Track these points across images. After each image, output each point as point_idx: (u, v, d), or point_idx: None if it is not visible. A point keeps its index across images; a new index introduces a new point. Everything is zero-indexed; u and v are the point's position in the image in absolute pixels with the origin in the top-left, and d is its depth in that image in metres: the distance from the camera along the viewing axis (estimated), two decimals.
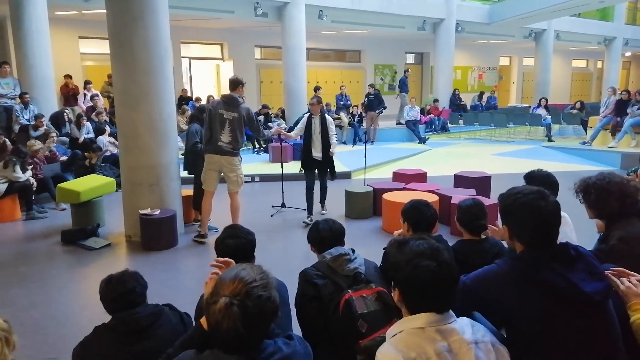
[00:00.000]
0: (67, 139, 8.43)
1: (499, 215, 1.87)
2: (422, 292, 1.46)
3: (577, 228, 2.90)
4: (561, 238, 1.72)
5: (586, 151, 10.78)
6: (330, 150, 6.03)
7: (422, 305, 1.47)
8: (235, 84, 5.16)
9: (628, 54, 24.24)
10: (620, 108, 10.83)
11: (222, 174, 5.27)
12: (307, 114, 6.12)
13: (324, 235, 2.42)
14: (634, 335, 1.69)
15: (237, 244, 2.21)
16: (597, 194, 2.31)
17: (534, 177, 2.99)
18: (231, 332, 1.30)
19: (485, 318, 1.82)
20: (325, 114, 6.21)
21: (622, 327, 1.68)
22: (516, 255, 1.73)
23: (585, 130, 12.55)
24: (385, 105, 13.02)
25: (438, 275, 1.44)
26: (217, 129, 5.05)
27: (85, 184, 5.86)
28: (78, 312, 3.77)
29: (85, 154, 7.60)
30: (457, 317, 1.54)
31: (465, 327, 1.49)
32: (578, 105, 14.03)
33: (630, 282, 1.75)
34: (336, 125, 12.57)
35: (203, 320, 1.60)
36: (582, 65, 25.68)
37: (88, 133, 8.70)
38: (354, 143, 12.35)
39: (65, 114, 8.87)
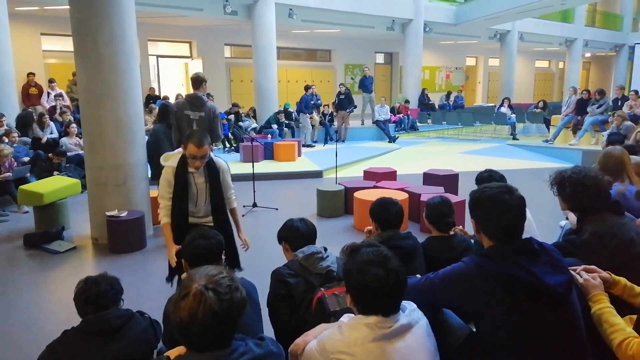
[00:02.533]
0: (29, 140, 8.13)
1: (467, 212, 1.92)
2: (370, 298, 1.55)
3: (539, 223, 3.00)
4: (524, 234, 1.79)
5: (549, 149, 11.15)
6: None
7: (370, 310, 1.56)
8: (198, 82, 5.09)
9: (588, 55, 25.17)
10: (581, 107, 11.25)
11: None
12: None
13: (302, 233, 2.42)
14: (595, 326, 1.77)
15: (208, 245, 2.19)
16: (572, 187, 2.33)
17: (482, 178, 3.09)
18: (208, 319, 1.29)
19: (455, 314, 1.87)
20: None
21: (585, 319, 1.76)
22: (483, 251, 1.78)
23: (548, 129, 12.98)
24: (356, 104, 13.11)
25: (386, 282, 1.53)
26: (185, 130, 4.95)
27: (49, 186, 5.67)
28: (43, 317, 3.65)
29: (49, 155, 7.35)
30: (425, 312, 1.60)
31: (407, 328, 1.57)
32: (541, 104, 14.49)
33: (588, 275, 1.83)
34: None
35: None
36: (545, 66, 26.53)
37: (52, 133, 8.42)
38: (325, 142, 12.40)
39: (33, 115, 8.54)
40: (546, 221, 3.10)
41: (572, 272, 1.82)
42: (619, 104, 11.10)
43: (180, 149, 3.22)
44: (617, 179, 2.88)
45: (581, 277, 1.85)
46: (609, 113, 10.31)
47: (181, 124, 5.01)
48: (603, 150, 3.08)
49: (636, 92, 11.05)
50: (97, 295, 2.01)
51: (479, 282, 1.68)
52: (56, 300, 3.93)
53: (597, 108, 10.68)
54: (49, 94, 9.98)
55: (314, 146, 11.93)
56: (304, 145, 11.61)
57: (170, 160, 3.21)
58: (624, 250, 2.14)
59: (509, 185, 1.81)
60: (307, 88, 12.51)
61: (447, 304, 1.86)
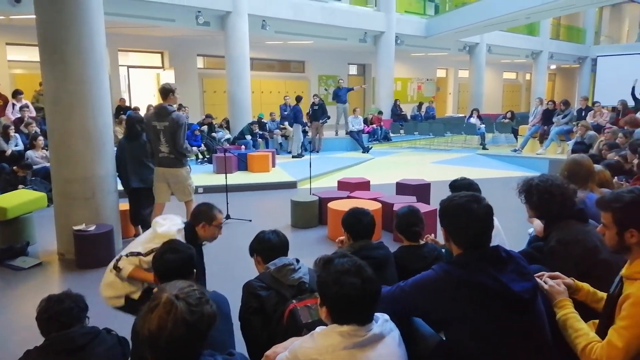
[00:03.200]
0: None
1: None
2: (348, 307, 1.55)
3: (508, 231, 3.07)
4: (492, 242, 1.83)
5: (517, 158, 11.46)
6: None
7: (347, 319, 1.56)
8: (165, 92, 5.12)
9: (553, 66, 26.06)
10: (547, 117, 11.61)
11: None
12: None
13: (274, 245, 2.41)
14: (560, 331, 1.82)
15: (178, 258, 2.16)
16: (540, 195, 2.38)
17: (456, 186, 3.16)
18: (178, 328, 1.27)
19: (425, 323, 1.89)
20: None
21: (551, 324, 1.80)
22: (452, 259, 1.81)
23: (516, 138, 13.34)
24: (329, 115, 13.19)
25: (363, 291, 1.54)
26: (155, 140, 5.11)
27: (13, 200, 5.48)
28: (6, 337, 3.51)
29: (14, 168, 7.12)
30: (398, 322, 1.61)
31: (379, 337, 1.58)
32: (509, 115, 14.90)
33: (553, 281, 1.88)
34: (282, 135, 12.78)
35: None
36: (513, 77, 27.31)
37: (17, 145, 8.16)
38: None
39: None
40: (515, 229, 3.18)
41: (538, 279, 1.87)
42: (583, 114, 11.53)
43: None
44: (582, 186, 2.98)
45: (546, 283, 1.90)
46: (574, 123, 10.68)
47: (150, 134, 5.14)
48: (570, 159, 3.17)
49: (599, 103, 11.50)
50: (60, 313, 1.95)
51: (447, 290, 1.71)
52: (19, 319, 3.79)
53: (562, 118, 11.05)
54: (14, 105, 9.68)
55: (304, 156, 11.86)
56: (293, 156, 11.83)
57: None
58: (588, 257, 2.21)
59: (477, 195, 1.85)
60: (298, 99, 12.56)
61: (418, 312, 1.88)
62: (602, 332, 1.73)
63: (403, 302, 1.83)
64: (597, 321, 1.88)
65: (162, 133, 5.05)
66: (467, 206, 1.78)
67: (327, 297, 1.59)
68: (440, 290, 1.72)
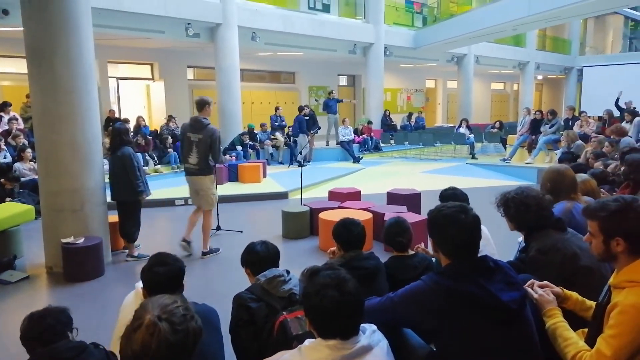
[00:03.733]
0: None
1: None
2: (327, 321, 1.56)
3: (496, 240, 3.09)
4: (481, 251, 1.84)
5: (506, 167, 11.56)
6: None
7: (328, 332, 1.57)
8: (201, 104, 5.28)
9: (540, 77, 26.46)
10: (535, 127, 11.76)
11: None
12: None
13: (262, 257, 2.41)
14: (549, 340, 1.83)
15: (167, 271, 2.14)
16: (516, 207, 2.43)
17: (445, 195, 3.20)
18: (162, 350, 1.26)
19: (415, 333, 1.89)
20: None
21: (540, 334, 1.81)
22: (440, 269, 1.83)
23: (505, 148, 13.48)
24: (320, 125, 13.23)
25: (341, 305, 1.54)
26: (187, 151, 5.28)
27: (0, 213, 5.41)
28: None
29: (1, 180, 7.03)
30: (387, 333, 1.61)
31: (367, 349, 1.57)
32: (497, 125, 15.05)
33: (542, 290, 1.89)
34: (273, 146, 12.79)
35: None
36: (500, 88, 27.67)
37: (5, 158, 8.08)
38: (291, 163, 12.42)
39: None
40: (505, 238, 3.21)
41: (527, 288, 1.89)
42: (570, 123, 11.69)
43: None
44: (567, 197, 3.01)
45: (535, 292, 1.91)
46: (561, 132, 10.82)
47: (183, 144, 5.39)
48: (552, 169, 3.20)
49: (585, 112, 11.67)
50: (42, 331, 1.93)
51: (436, 300, 1.71)
52: (7, 334, 3.72)
53: (550, 128, 11.19)
54: (1, 117, 9.59)
55: (306, 165, 11.90)
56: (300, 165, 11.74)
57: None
58: (568, 264, 2.23)
59: (465, 205, 1.87)
60: (300, 109, 12.66)
61: (407, 323, 1.89)
62: (591, 341, 1.75)
63: (393, 313, 1.83)
64: (586, 330, 1.90)
65: (195, 145, 5.18)
66: (454, 216, 1.80)
67: (308, 309, 1.62)
68: (430, 301, 1.73)
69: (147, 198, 5.46)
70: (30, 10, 4.66)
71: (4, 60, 11.72)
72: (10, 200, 6.63)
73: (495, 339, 1.67)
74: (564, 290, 2.01)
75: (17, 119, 9.61)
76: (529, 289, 1.90)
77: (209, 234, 5.58)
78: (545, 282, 1.98)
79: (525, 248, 2.49)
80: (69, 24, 4.68)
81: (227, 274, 5.12)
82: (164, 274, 2.12)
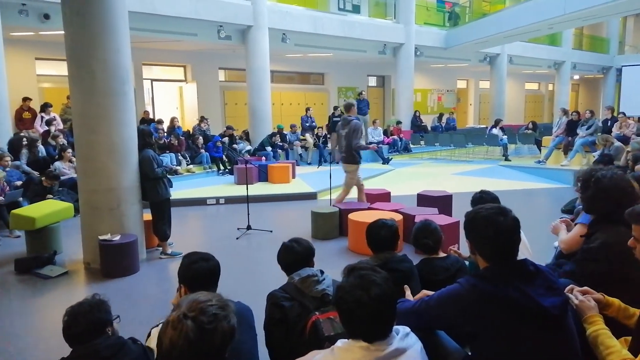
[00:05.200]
0: (21, 163, 8.09)
1: (462, 233, 1.93)
2: (352, 320, 1.56)
3: (533, 244, 3.01)
4: (519, 255, 1.80)
5: (541, 169, 11.26)
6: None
7: (354, 332, 1.56)
8: (348, 107, 6.78)
9: (576, 77, 25.66)
10: (571, 128, 11.42)
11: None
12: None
13: (297, 254, 2.41)
14: (590, 348, 1.77)
15: (209, 267, 2.16)
16: (595, 190, 2.24)
17: (476, 200, 3.13)
18: (184, 348, 1.28)
19: (450, 337, 1.86)
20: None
21: (581, 341, 1.75)
22: (478, 273, 1.79)
23: (540, 150, 13.13)
24: None
25: (365, 307, 1.52)
26: (339, 143, 6.76)
27: (41, 210, 5.62)
28: (33, 345, 3.58)
29: (42, 178, 7.31)
30: (421, 336, 1.59)
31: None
32: (531, 125, 14.68)
33: (583, 296, 1.83)
34: (302, 146, 12.87)
35: None
36: (535, 88, 26.97)
37: (40, 154, 8.40)
38: (320, 164, 12.44)
39: (24, 139, 8.53)
40: (540, 243, 3.11)
41: (568, 293, 1.83)
42: (609, 124, 11.30)
43: None
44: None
45: (576, 298, 1.85)
46: (599, 134, 10.47)
47: (337, 138, 6.91)
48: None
49: (624, 114, 11.27)
50: (79, 335, 1.96)
51: (474, 304, 1.68)
52: (47, 327, 3.86)
53: (587, 129, 10.84)
54: (42, 117, 9.98)
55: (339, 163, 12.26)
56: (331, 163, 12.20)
57: None
58: (627, 265, 2.10)
59: (503, 207, 1.82)
60: (335, 108, 13.10)
61: (442, 326, 1.86)
62: (634, 350, 1.68)
63: (427, 316, 1.80)
64: (629, 338, 1.83)
65: (343, 137, 6.55)
66: (493, 218, 1.75)
67: (337, 307, 1.62)
68: (467, 305, 1.69)
69: (175, 197, 5.53)
70: (70, 15, 4.83)
71: (45, 63, 12.18)
72: (50, 198, 6.88)
73: (535, 346, 1.62)
74: (606, 296, 1.94)
75: (56, 120, 9.97)
76: (570, 295, 1.84)
77: (342, 200, 6.89)
78: (586, 288, 1.91)
79: (563, 255, 2.39)
80: (107, 28, 4.82)
81: (259, 272, 5.17)
82: (206, 270, 2.14)
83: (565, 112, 12.36)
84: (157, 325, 2.22)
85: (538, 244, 3.10)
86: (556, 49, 21.28)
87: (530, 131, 14.43)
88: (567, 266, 2.33)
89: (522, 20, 14.03)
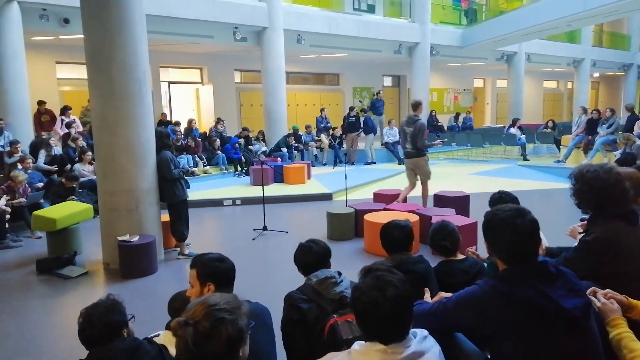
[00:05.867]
0: (39, 162, 8.25)
1: (480, 234, 1.91)
2: (367, 321, 1.55)
3: (551, 244, 2.95)
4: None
5: (560, 169, 11.06)
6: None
7: (370, 334, 1.55)
8: (415, 105, 7.03)
9: (596, 74, 25.17)
10: (591, 127, 11.21)
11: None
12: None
13: (315, 255, 2.40)
14: (614, 351, 1.73)
15: (227, 267, 2.17)
16: (581, 184, 2.27)
17: (494, 201, 3.08)
18: (187, 353, 1.30)
19: (468, 339, 1.83)
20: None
21: (603, 344, 1.71)
22: (497, 274, 1.76)
23: (559, 149, 12.91)
24: (362, 128, 13.24)
25: (380, 308, 1.51)
26: (403, 140, 7.07)
27: (62, 211, 5.73)
28: (54, 343, 3.65)
29: (62, 180, 7.45)
30: (439, 339, 1.57)
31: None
32: (550, 124, 14.45)
33: (605, 298, 1.79)
34: (317, 147, 12.88)
35: None
36: (553, 86, 26.54)
37: (54, 153, 8.55)
38: (335, 164, 12.43)
39: (44, 141, 8.72)
40: (560, 243, 3.06)
41: (590, 295, 1.79)
42: (630, 122, 11.05)
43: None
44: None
45: (599, 300, 1.81)
46: (619, 132, 10.26)
47: (400, 135, 7.40)
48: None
49: None
50: (94, 337, 1.97)
51: (494, 306, 1.65)
52: (68, 326, 3.93)
53: (607, 128, 10.63)
54: (62, 120, 10.18)
55: (375, 163, 13.03)
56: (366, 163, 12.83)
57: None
58: (624, 259, 2.11)
59: (522, 208, 1.78)
60: (351, 109, 13.33)
61: (461, 329, 1.83)
62: None
63: (446, 318, 1.78)
64: None
65: (408, 135, 6.82)
66: (510, 221, 1.72)
67: (353, 308, 1.61)
68: (486, 307, 1.67)
69: (191, 199, 5.57)
70: (89, 20, 4.91)
71: (65, 67, 12.41)
72: (73, 199, 7.00)
73: (557, 349, 1.59)
74: (629, 299, 1.89)
75: (75, 122, 10.16)
76: (592, 297, 1.80)
77: (427, 200, 7.05)
78: (609, 291, 1.87)
79: (585, 231, 2.35)
80: (125, 32, 4.89)
81: (275, 273, 5.19)
82: (225, 269, 2.14)
83: (584, 110, 12.14)
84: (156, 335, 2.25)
85: (554, 245, 3.03)
86: (575, 46, 20.91)
87: (549, 130, 14.20)
88: (566, 253, 2.35)
89: (540, 17, 13.81)
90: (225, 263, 2.15)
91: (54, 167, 8.18)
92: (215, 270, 2.11)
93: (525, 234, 1.71)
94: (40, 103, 10.20)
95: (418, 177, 7.08)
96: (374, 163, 12.99)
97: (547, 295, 1.60)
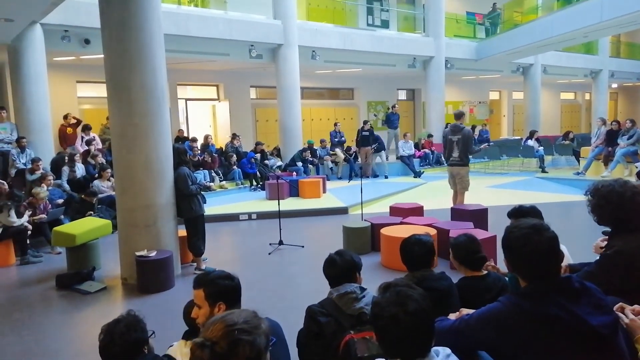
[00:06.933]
0: (62, 181, 8.41)
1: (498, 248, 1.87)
2: (387, 338, 1.52)
3: (574, 258, 2.88)
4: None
5: (580, 181, 10.86)
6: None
7: (389, 351, 1.52)
8: (459, 115, 7.43)
9: (614, 85, 24.81)
10: (611, 138, 11.01)
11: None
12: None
13: (337, 268, 2.36)
14: None
15: (236, 285, 2.16)
16: (597, 199, 2.26)
17: (513, 215, 3.02)
18: None
19: (491, 357, 1.78)
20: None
21: None
22: (520, 291, 1.71)
23: (578, 161, 12.70)
24: (379, 142, 13.23)
25: (400, 324, 1.47)
26: (449, 148, 7.28)
27: (81, 227, 5.81)
28: (73, 358, 3.67)
29: (82, 196, 7.58)
30: (463, 358, 1.53)
31: None
32: (571, 135, 14.23)
33: (633, 314, 1.73)
34: (332, 161, 12.90)
35: None
36: (571, 98, 26.22)
37: (76, 172, 8.71)
38: (350, 178, 12.40)
39: (65, 158, 8.91)
40: (581, 258, 2.98)
41: (617, 312, 1.73)
42: None
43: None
44: None
45: (627, 317, 1.75)
46: None
47: (446, 145, 7.42)
48: None
49: None
50: (116, 355, 1.98)
51: (518, 323, 1.61)
52: (87, 341, 3.95)
53: (628, 139, 10.44)
54: (82, 138, 10.40)
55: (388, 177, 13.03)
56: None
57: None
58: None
59: (540, 224, 1.72)
60: (365, 123, 13.34)
61: (484, 347, 1.78)
62: None
63: (468, 336, 1.73)
64: None
65: (455, 143, 7.14)
66: (527, 238, 1.67)
67: (373, 325, 1.58)
68: (510, 324, 1.62)
69: (208, 213, 5.60)
70: (109, 40, 5.04)
71: (85, 86, 12.70)
72: (91, 215, 7.11)
73: None
74: None
75: (95, 140, 10.37)
76: (620, 313, 1.74)
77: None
78: (637, 306, 1.81)
79: (606, 246, 2.31)
80: (144, 52, 5.00)
81: (288, 288, 5.16)
82: (230, 288, 2.12)
83: (603, 121, 11.95)
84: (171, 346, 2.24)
85: (578, 260, 2.96)
86: (592, 57, 20.68)
87: (567, 142, 13.99)
88: (587, 267, 2.32)
89: (556, 29, 13.71)
90: (234, 280, 2.13)
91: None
92: (226, 289, 2.08)
93: (544, 251, 1.65)
94: (66, 117, 10.44)
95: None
96: (377, 177, 13.04)
97: (573, 312, 1.56)
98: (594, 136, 11.97)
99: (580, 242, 3.49)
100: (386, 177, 12.94)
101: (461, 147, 7.16)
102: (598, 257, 2.30)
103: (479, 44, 16.89)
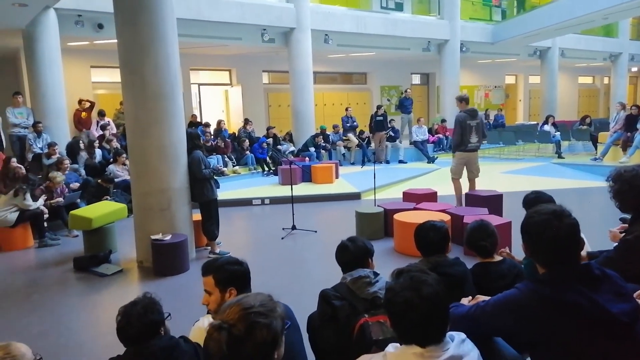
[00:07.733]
0: (77, 166, 8.51)
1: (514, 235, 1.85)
2: (401, 323, 1.51)
3: (592, 246, 2.84)
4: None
5: (598, 167, 10.68)
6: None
7: (404, 336, 1.51)
8: (467, 100, 7.18)
9: (634, 69, 24.21)
10: (630, 123, 10.78)
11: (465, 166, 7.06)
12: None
13: (350, 254, 2.37)
14: None
15: (245, 270, 2.17)
16: (620, 184, 2.26)
17: (529, 201, 2.99)
18: (221, 357, 1.29)
19: (508, 344, 1.77)
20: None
21: None
22: (538, 277, 1.69)
23: (595, 147, 12.48)
24: (393, 125, 13.13)
25: (415, 307, 1.46)
26: (467, 134, 6.83)
27: (97, 211, 5.89)
28: (91, 340, 3.75)
29: (99, 181, 7.67)
30: (477, 343, 1.52)
31: None
32: (588, 120, 13.97)
33: None
34: (345, 147, 12.84)
35: None
36: (589, 82, 25.66)
37: (95, 158, 8.83)
38: (363, 164, 12.37)
39: (81, 142, 9.02)
40: (598, 246, 2.94)
41: (638, 299, 1.71)
42: None
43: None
44: None
45: None
46: None
47: (465, 130, 6.84)
48: None
49: None
50: (133, 336, 1.99)
51: (535, 310, 1.59)
52: (104, 322, 4.03)
53: None
54: (97, 122, 10.50)
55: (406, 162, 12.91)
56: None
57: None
58: None
59: (560, 210, 1.68)
60: (379, 107, 13.28)
61: (500, 333, 1.77)
62: None
63: (484, 322, 1.72)
64: None
65: (474, 128, 6.81)
66: (546, 224, 1.63)
67: (386, 309, 1.57)
68: (527, 311, 1.60)
69: (221, 198, 5.62)
70: (122, 25, 5.04)
71: (99, 70, 12.77)
72: (107, 199, 7.20)
73: (602, 356, 1.52)
74: None
75: (110, 125, 10.46)
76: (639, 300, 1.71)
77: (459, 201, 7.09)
78: None
79: (626, 231, 2.28)
80: (157, 36, 4.99)
81: (301, 273, 5.19)
82: (238, 273, 2.13)
83: (623, 106, 11.68)
84: (197, 320, 2.26)
85: (595, 247, 2.92)
86: (612, 40, 20.16)
87: (585, 127, 13.73)
88: (606, 253, 2.30)
89: (575, 11, 13.37)
90: (242, 265, 2.15)
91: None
92: (236, 274, 2.10)
93: (564, 237, 1.62)
94: (80, 102, 10.56)
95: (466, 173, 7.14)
96: (388, 163, 12.90)
97: (593, 299, 1.53)
98: (613, 121, 11.72)
99: (598, 230, 3.44)
100: (404, 162, 12.84)
101: (482, 131, 7.06)
102: (617, 244, 2.27)
103: (495, 26, 16.56)
